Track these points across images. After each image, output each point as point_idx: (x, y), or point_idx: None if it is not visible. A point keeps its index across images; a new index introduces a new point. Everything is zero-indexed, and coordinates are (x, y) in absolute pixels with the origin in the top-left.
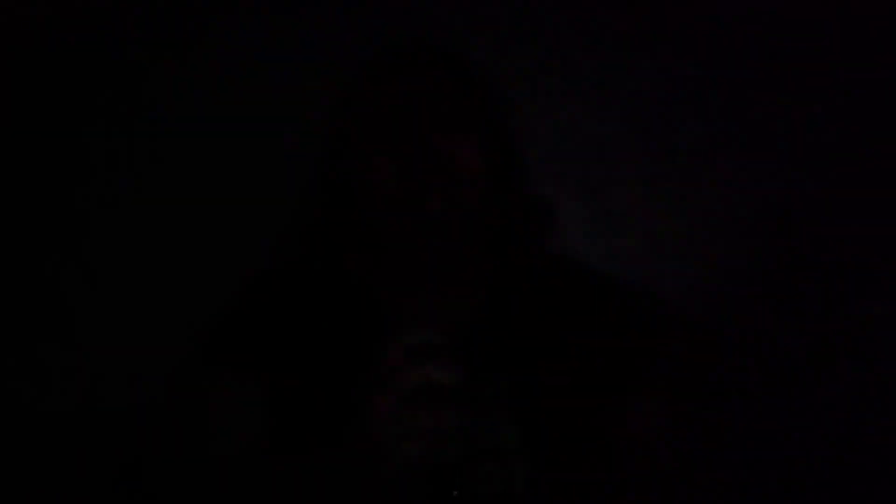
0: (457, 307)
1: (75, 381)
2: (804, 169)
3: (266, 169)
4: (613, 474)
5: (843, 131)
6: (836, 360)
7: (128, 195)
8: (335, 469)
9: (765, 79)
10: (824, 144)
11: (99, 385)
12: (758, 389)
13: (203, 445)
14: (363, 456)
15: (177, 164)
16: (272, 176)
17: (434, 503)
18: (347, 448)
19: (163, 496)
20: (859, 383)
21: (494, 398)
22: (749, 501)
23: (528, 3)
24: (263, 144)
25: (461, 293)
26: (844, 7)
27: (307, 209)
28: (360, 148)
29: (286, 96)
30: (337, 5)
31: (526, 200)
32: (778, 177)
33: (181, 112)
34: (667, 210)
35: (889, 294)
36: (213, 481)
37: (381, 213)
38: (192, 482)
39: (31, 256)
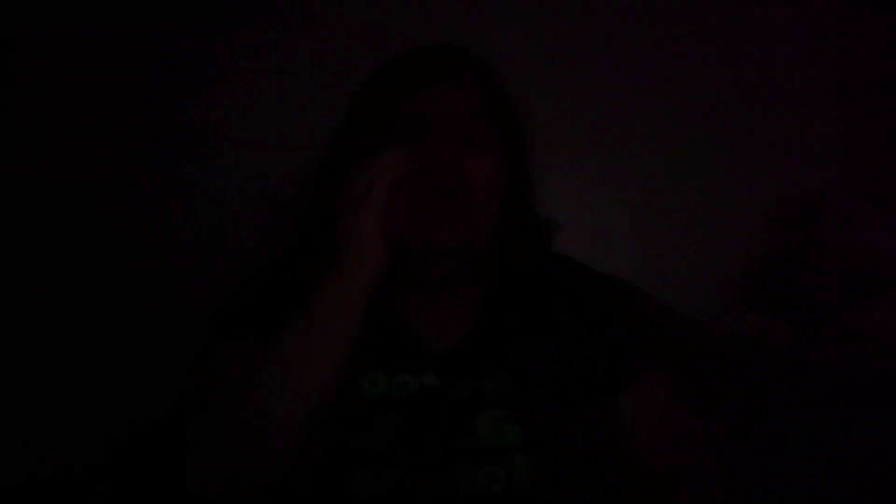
0: (459, 311)
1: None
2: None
3: (273, 167)
4: (614, 469)
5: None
6: (835, 359)
7: (134, 193)
8: None
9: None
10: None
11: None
12: (755, 387)
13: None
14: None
15: (184, 161)
16: (279, 174)
17: None
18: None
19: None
20: (858, 384)
21: (497, 397)
22: (744, 497)
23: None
24: (270, 142)
25: (464, 298)
26: None
27: (314, 210)
28: (377, 151)
29: (295, 94)
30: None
31: (532, 223)
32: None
33: (188, 110)
34: (666, 211)
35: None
36: None
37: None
38: None
39: (41, 254)
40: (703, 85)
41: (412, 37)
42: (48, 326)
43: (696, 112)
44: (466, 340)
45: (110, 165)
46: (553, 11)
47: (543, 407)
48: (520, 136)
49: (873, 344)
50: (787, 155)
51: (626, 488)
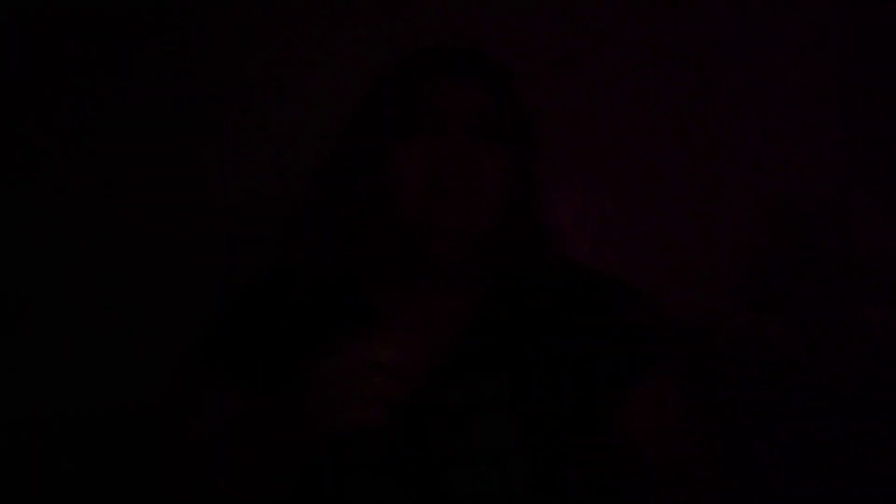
0: (455, 311)
1: (73, 384)
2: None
3: (268, 166)
4: (612, 473)
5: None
6: (835, 359)
7: (125, 191)
8: (278, 424)
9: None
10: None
11: (96, 387)
12: (754, 388)
13: (194, 443)
14: (302, 415)
15: (176, 160)
16: (276, 174)
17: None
18: (288, 406)
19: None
20: (858, 384)
21: (493, 399)
22: (745, 497)
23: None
24: (268, 142)
25: (460, 297)
26: None
27: (313, 206)
28: (391, 141)
29: (294, 93)
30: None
31: (534, 225)
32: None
33: (184, 110)
34: (666, 211)
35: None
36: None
37: (398, 217)
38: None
39: (30, 257)
40: (703, 85)
41: (417, 38)
42: (48, 326)
43: (696, 112)
44: (461, 340)
45: (111, 164)
46: (554, 11)
47: (541, 410)
48: (528, 138)
49: (873, 344)
50: (787, 155)
51: (625, 491)
